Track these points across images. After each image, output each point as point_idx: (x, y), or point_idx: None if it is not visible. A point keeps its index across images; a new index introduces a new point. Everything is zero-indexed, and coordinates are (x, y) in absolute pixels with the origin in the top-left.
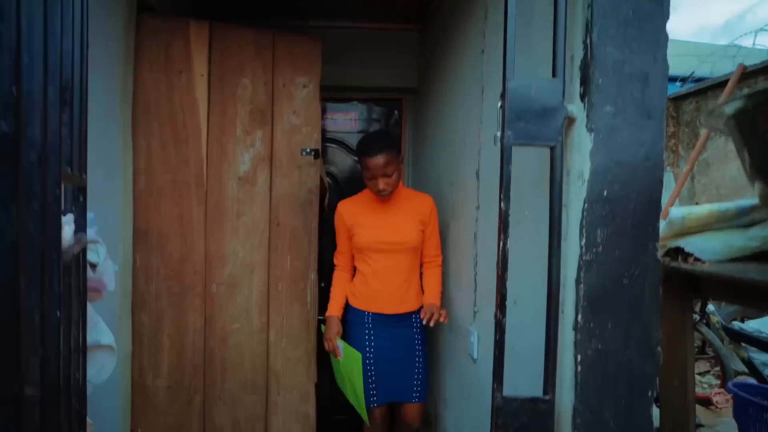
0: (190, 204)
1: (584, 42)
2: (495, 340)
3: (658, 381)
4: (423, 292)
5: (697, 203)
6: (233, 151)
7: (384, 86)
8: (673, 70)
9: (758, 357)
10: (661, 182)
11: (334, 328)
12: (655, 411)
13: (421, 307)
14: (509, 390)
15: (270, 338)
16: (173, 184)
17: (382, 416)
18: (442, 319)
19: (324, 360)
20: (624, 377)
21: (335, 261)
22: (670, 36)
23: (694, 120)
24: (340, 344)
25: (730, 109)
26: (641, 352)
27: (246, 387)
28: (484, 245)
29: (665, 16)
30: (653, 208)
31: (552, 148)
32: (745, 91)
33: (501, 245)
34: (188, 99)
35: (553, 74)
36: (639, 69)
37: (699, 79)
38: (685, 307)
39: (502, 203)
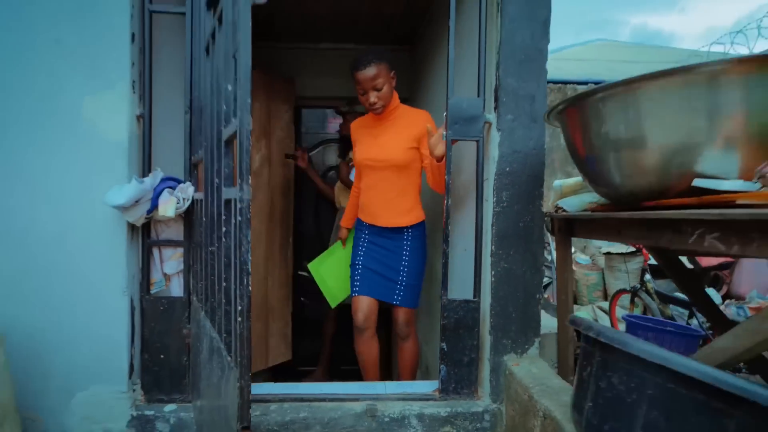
0: None
1: (496, 75)
2: (442, 263)
3: (542, 288)
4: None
5: None
6: (252, 153)
7: None
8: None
9: (676, 310)
10: (543, 163)
11: (341, 233)
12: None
13: (416, 224)
14: (452, 296)
15: (268, 284)
16: None
17: (368, 307)
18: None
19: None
20: (521, 286)
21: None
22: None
23: None
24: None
25: (556, 111)
26: (531, 269)
27: (257, 318)
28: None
29: (545, 59)
30: (538, 179)
31: (477, 141)
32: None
33: (446, 203)
34: None
35: (478, 95)
36: (528, 92)
37: None
38: (566, 241)
39: (447, 176)
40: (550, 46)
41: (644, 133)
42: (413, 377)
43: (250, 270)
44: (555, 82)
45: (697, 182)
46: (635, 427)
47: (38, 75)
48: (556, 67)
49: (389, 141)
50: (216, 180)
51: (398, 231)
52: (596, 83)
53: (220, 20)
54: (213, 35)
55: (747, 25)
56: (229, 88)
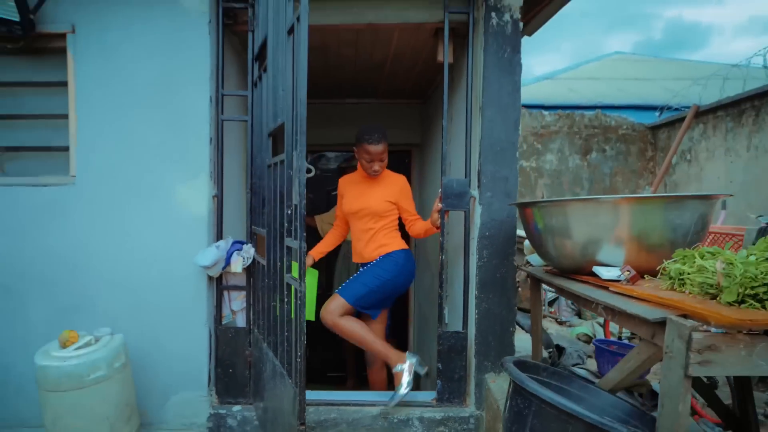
0: None
1: (479, 161)
2: (438, 304)
3: (515, 323)
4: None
5: None
6: None
7: (398, 142)
8: (659, 98)
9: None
10: (515, 227)
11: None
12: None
13: (384, 256)
14: (446, 328)
15: None
16: None
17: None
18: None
19: None
20: (498, 321)
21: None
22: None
23: (668, 146)
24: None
25: (518, 205)
26: (506, 309)
27: None
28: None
29: (515, 149)
30: (511, 240)
31: (465, 212)
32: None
33: (441, 258)
34: None
35: (465, 176)
36: (503, 175)
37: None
38: (536, 288)
39: (441, 237)
40: (566, 64)
41: (569, 231)
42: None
43: (305, 330)
44: (565, 108)
45: (594, 268)
46: (526, 428)
47: (147, 174)
48: (568, 88)
49: (371, 195)
50: (279, 231)
51: (367, 264)
52: (605, 107)
53: (273, 137)
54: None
55: None
56: (294, 188)
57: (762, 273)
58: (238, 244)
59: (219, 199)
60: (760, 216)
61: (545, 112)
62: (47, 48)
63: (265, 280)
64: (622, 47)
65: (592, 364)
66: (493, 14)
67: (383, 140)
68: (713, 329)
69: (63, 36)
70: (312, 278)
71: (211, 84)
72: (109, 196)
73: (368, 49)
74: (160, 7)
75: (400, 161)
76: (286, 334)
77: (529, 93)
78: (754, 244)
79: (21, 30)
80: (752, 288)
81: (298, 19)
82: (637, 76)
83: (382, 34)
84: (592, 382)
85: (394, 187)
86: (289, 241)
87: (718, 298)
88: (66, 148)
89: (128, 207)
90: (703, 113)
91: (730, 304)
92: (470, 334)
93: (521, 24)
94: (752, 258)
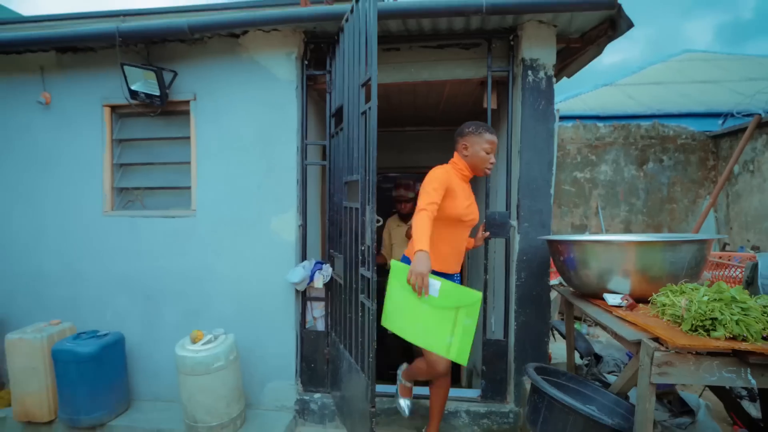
0: None
1: (517, 197)
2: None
3: (551, 333)
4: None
5: (731, 228)
6: None
7: None
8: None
9: None
10: (548, 253)
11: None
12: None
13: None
14: (490, 336)
15: None
16: None
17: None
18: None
19: None
20: (534, 332)
21: (429, 207)
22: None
23: (730, 156)
24: (437, 282)
25: (548, 240)
26: (541, 321)
27: None
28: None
29: (549, 186)
30: (545, 264)
31: (506, 239)
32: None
33: (485, 278)
34: None
35: (506, 209)
36: (538, 208)
37: (748, 114)
38: (569, 304)
39: (485, 260)
40: (635, 65)
41: (587, 263)
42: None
43: (376, 338)
44: (621, 118)
45: (604, 295)
46: (539, 421)
47: (249, 209)
48: (627, 96)
49: (474, 203)
50: (354, 260)
51: (450, 277)
52: (664, 116)
53: (348, 184)
54: (348, 189)
55: None
56: (367, 233)
57: (709, 311)
58: (318, 264)
59: (304, 228)
60: (757, 250)
61: (600, 124)
62: (176, 111)
63: (342, 296)
64: (704, 28)
65: None
66: (530, 72)
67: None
68: (671, 350)
69: (187, 102)
70: (473, 312)
71: (297, 136)
72: (221, 226)
73: (424, 94)
74: (257, 77)
75: None
76: (360, 339)
77: (586, 102)
78: (748, 277)
79: (159, 101)
80: (701, 321)
81: (369, 108)
82: (704, 78)
83: (435, 86)
84: (606, 385)
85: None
86: (362, 270)
87: (680, 326)
88: (188, 188)
89: (235, 234)
90: (767, 123)
91: (686, 332)
92: (510, 343)
93: (554, 79)
94: (705, 298)
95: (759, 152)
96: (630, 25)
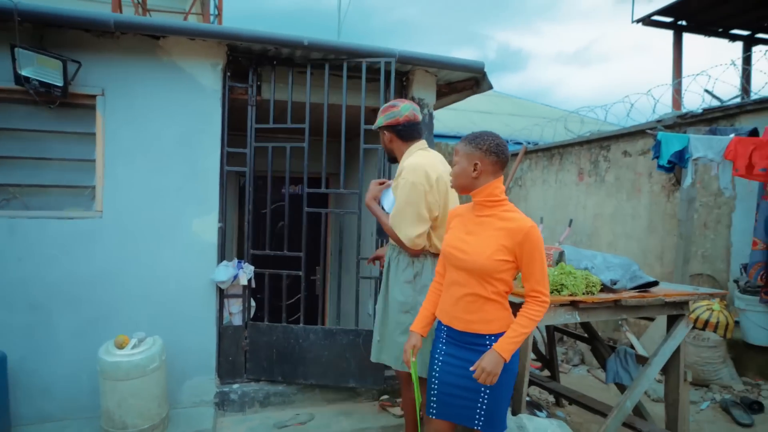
0: None
1: None
2: None
3: None
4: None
5: None
6: None
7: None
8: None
9: None
10: None
11: (410, 340)
12: None
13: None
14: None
15: None
16: None
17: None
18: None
19: None
20: None
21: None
22: None
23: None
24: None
25: None
26: None
27: None
28: None
29: None
30: None
31: None
32: None
33: None
34: None
35: None
36: None
37: (518, 143)
38: None
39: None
40: None
41: None
42: None
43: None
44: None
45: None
46: None
47: (169, 209)
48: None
49: (479, 241)
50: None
51: (479, 338)
52: (456, 137)
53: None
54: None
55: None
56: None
57: (559, 280)
58: (240, 263)
59: (224, 230)
60: (558, 244)
61: None
62: (77, 104)
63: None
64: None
65: None
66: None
67: None
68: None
69: (93, 97)
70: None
71: (220, 143)
72: (134, 228)
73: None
74: (181, 84)
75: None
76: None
77: None
78: (556, 262)
79: (60, 92)
80: (557, 286)
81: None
82: (484, 109)
83: (336, 108)
84: None
85: (514, 235)
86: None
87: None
88: (90, 187)
89: (151, 236)
90: (530, 152)
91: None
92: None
93: (433, 114)
94: (556, 273)
95: (524, 172)
96: (490, 87)
